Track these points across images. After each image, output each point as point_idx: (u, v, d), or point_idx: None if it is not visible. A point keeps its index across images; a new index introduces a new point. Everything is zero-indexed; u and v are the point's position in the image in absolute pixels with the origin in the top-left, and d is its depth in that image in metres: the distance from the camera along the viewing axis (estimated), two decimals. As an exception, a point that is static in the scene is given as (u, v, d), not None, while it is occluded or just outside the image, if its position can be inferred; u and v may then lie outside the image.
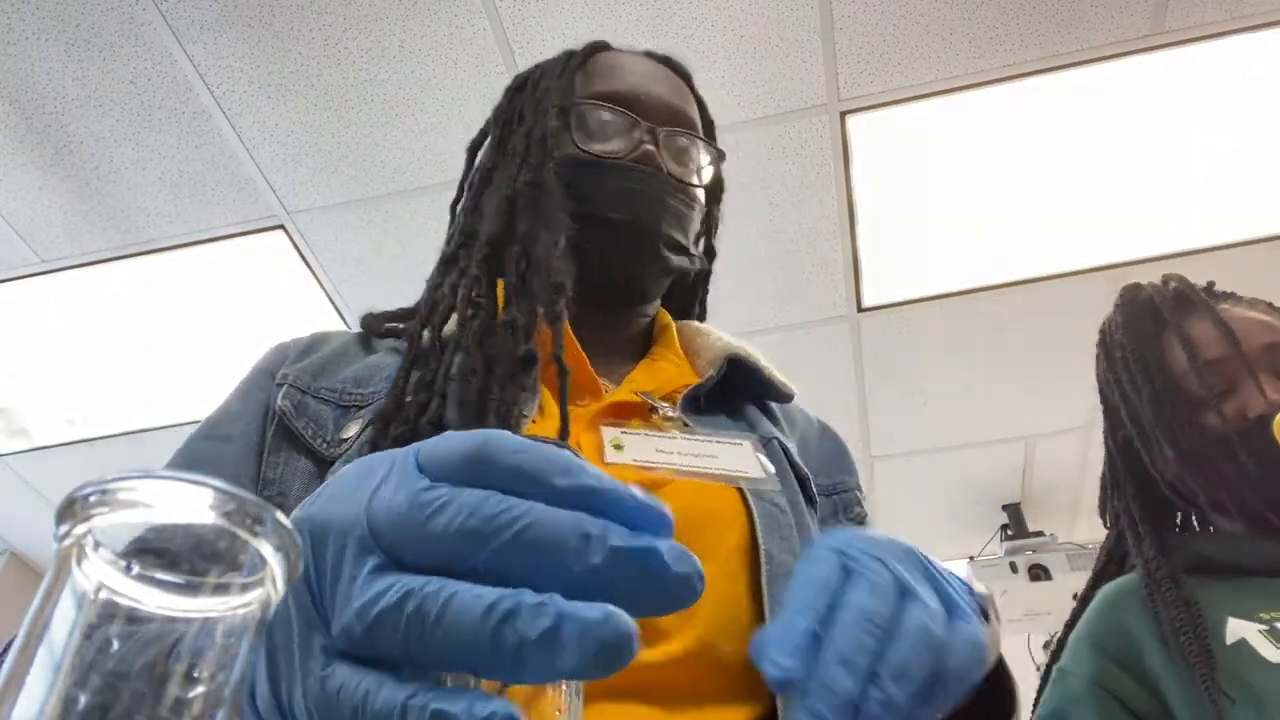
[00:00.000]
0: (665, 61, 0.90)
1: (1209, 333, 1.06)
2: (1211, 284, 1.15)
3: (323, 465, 0.65)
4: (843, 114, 2.23)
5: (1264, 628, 0.92)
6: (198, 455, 0.70)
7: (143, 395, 2.91)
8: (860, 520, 0.79)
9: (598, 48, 0.89)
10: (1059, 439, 3.12)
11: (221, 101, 2.17)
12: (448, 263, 0.78)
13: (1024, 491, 3.33)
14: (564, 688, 0.34)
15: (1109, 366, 1.16)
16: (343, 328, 1.07)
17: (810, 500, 0.73)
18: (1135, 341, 1.12)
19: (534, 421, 0.67)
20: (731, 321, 3.06)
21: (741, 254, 2.54)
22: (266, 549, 0.25)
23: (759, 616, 0.60)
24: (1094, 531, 3.36)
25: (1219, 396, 1.03)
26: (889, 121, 2.26)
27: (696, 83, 0.93)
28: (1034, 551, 3.09)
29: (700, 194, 0.85)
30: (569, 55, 0.87)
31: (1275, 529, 1.00)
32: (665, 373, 0.77)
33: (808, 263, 2.57)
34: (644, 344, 0.84)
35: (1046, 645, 3.42)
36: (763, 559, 0.62)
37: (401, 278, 2.53)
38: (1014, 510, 3.35)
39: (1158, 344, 1.10)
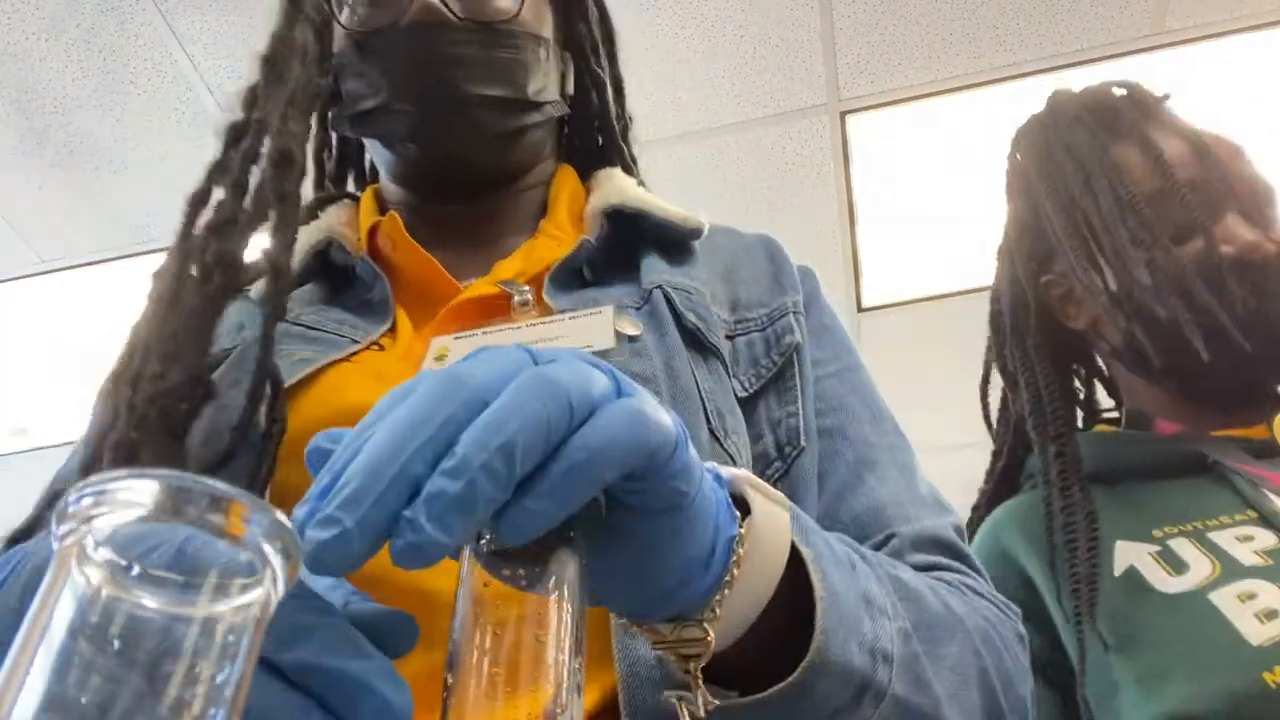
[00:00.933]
0: None
1: (1180, 148, 0.93)
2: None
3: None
4: (843, 114, 2.23)
5: (1157, 548, 0.78)
6: None
7: (143, 395, 2.91)
8: (789, 349, 0.64)
9: None
10: (1059, 439, 3.12)
11: (222, 102, 2.17)
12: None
13: (1024, 491, 3.33)
14: (564, 685, 0.34)
15: (1041, 173, 0.99)
16: None
17: (708, 351, 0.61)
18: (1085, 144, 0.94)
19: (381, 349, 0.60)
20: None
21: (741, 254, 2.54)
22: (266, 549, 0.25)
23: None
24: (1094, 531, 3.36)
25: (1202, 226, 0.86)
26: (889, 121, 2.26)
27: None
28: (1034, 551, 3.09)
29: (531, 22, 0.68)
30: None
31: (1222, 395, 0.86)
32: (541, 250, 0.66)
33: (808, 262, 2.57)
34: (536, 221, 0.71)
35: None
36: None
37: (401, 278, 2.53)
38: (1014, 510, 3.35)
39: (1108, 154, 0.93)
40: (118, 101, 2.16)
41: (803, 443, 0.60)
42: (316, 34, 0.64)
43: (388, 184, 0.73)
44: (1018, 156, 1.08)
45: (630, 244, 0.68)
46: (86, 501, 0.24)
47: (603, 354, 0.55)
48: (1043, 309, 1.03)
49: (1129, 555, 0.79)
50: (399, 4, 0.64)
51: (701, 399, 0.57)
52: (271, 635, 0.27)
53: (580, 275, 0.66)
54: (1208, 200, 0.89)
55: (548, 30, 0.71)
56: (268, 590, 0.25)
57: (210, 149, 0.59)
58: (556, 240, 0.68)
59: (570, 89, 0.74)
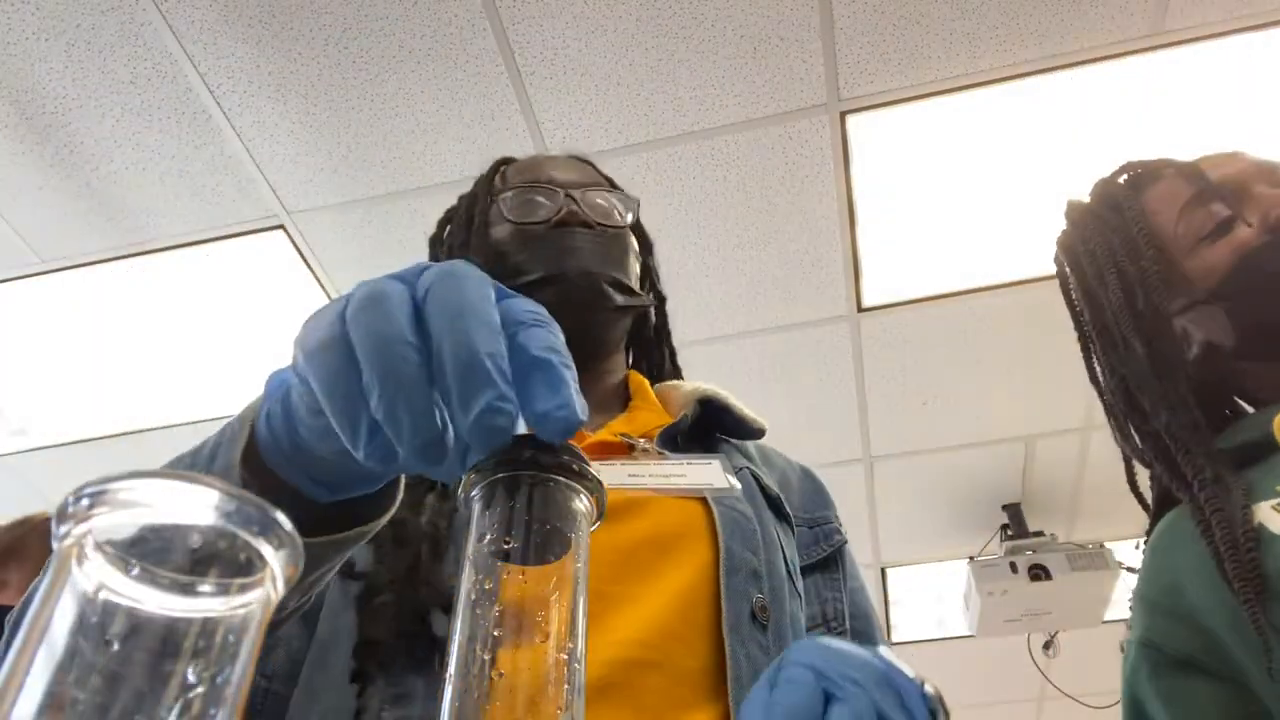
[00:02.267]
0: (570, 156, 1.01)
1: (1187, 171, 1.02)
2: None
3: None
4: (843, 114, 2.23)
5: (1276, 501, 0.81)
6: None
7: (143, 395, 2.91)
8: (839, 545, 0.85)
9: (506, 160, 1.00)
10: (1059, 439, 3.12)
11: (221, 101, 2.17)
12: None
13: (1024, 491, 3.33)
14: (565, 687, 0.34)
15: (1090, 269, 1.10)
16: None
17: (783, 518, 0.80)
18: (1109, 225, 1.07)
19: None
20: (731, 321, 3.07)
21: (741, 254, 2.54)
22: (266, 549, 0.25)
23: (716, 609, 0.66)
24: (1094, 531, 3.36)
25: (1231, 218, 0.94)
26: (889, 121, 2.26)
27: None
28: (1034, 551, 3.09)
29: (629, 236, 0.92)
30: (484, 174, 0.97)
31: None
32: (642, 419, 0.84)
33: (808, 263, 2.57)
34: (623, 402, 0.91)
35: (1046, 645, 3.42)
36: (723, 556, 0.69)
37: (401, 278, 2.52)
38: (1014, 510, 3.35)
39: (1135, 218, 1.05)
40: (118, 101, 2.16)
41: (847, 624, 0.79)
42: (484, 224, 0.88)
43: None
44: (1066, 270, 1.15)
45: (708, 431, 0.86)
46: (86, 501, 0.24)
47: (721, 490, 0.72)
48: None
49: (1261, 516, 0.81)
50: (550, 208, 0.87)
51: (781, 547, 0.75)
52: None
53: (676, 442, 0.81)
54: (1235, 187, 0.97)
55: (638, 250, 0.94)
56: (268, 590, 0.25)
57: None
58: (653, 414, 0.86)
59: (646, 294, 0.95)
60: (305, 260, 2.53)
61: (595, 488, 0.38)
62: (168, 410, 2.96)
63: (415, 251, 2.46)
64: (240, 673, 0.24)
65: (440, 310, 0.36)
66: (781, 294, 2.66)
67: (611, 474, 0.71)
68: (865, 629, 0.82)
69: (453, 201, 0.99)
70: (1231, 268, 0.94)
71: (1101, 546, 3.08)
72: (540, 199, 0.88)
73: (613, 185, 0.99)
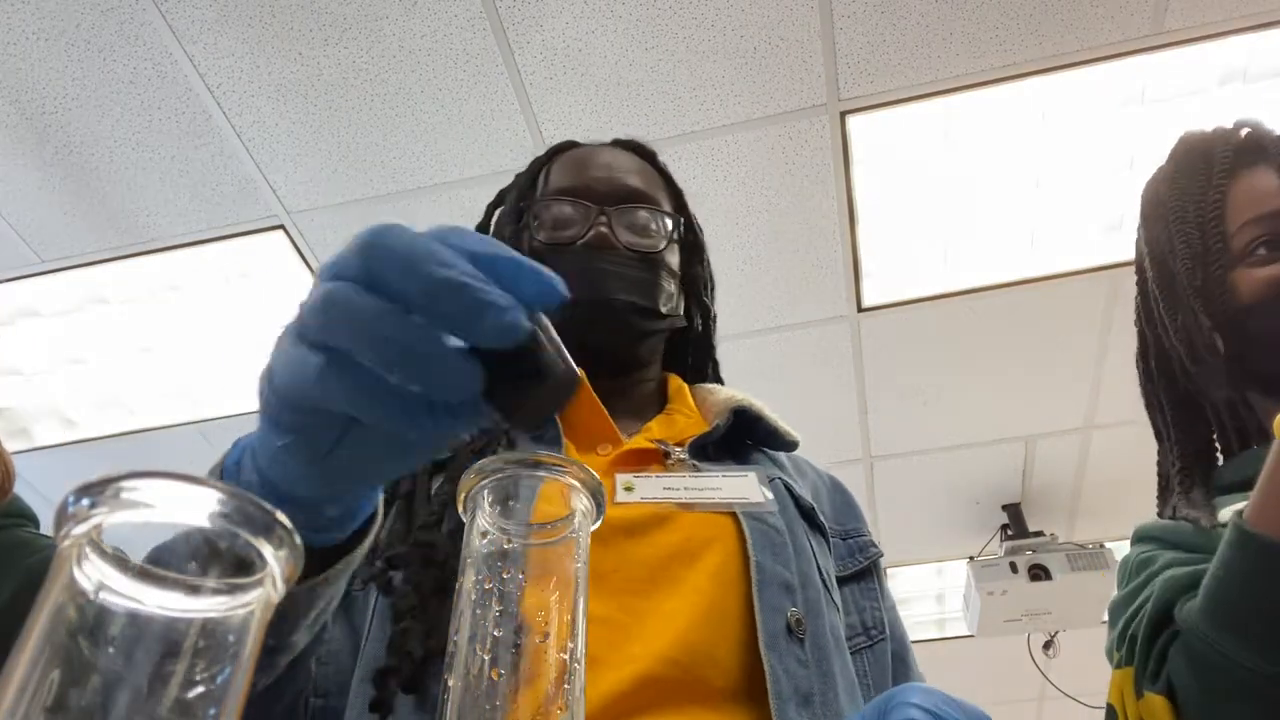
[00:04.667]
0: (627, 145, 0.99)
1: (1259, 177, 0.95)
2: None
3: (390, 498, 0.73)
4: (843, 114, 2.23)
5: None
6: None
7: (143, 395, 2.91)
8: (875, 557, 0.86)
9: (562, 148, 0.99)
10: (1059, 439, 3.12)
11: (221, 101, 2.17)
12: None
13: (1024, 491, 3.33)
14: (565, 687, 0.34)
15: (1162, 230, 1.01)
16: None
17: (818, 529, 0.80)
18: (1192, 187, 0.98)
19: None
20: (732, 322, 3.07)
21: (741, 254, 2.54)
22: (267, 550, 0.25)
23: (750, 624, 0.66)
24: (1094, 531, 3.36)
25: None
26: (889, 121, 2.26)
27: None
28: (1034, 551, 3.09)
29: (667, 258, 0.91)
30: (535, 162, 0.97)
31: None
32: (679, 424, 0.85)
33: (808, 263, 2.57)
34: (659, 404, 0.91)
35: (1046, 645, 3.42)
36: (753, 570, 0.69)
37: (401, 278, 2.52)
38: (1014, 510, 3.35)
39: (1215, 202, 0.97)
40: (118, 101, 2.16)
41: (886, 633, 0.80)
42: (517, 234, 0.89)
43: None
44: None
45: (740, 439, 0.86)
46: (86, 501, 0.24)
47: (753, 505, 0.73)
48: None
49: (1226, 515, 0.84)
50: (579, 227, 0.87)
51: (815, 558, 0.76)
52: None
53: (708, 451, 0.82)
54: None
55: (676, 264, 0.93)
56: (267, 590, 0.25)
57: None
58: (689, 420, 0.86)
59: (681, 310, 0.95)
60: (305, 260, 2.53)
61: (595, 487, 0.38)
62: (168, 410, 2.95)
63: (415, 251, 2.46)
64: (240, 673, 0.24)
65: (392, 271, 0.36)
66: (781, 294, 2.65)
67: (647, 487, 0.73)
68: (902, 653, 0.82)
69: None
70: (1244, 304, 0.93)
71: (1101, 546, 3.07)
72: (572, 213, 0.88)
73: (670, 182, 0.98)
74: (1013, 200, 2.42)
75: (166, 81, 2.13)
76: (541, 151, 1.04)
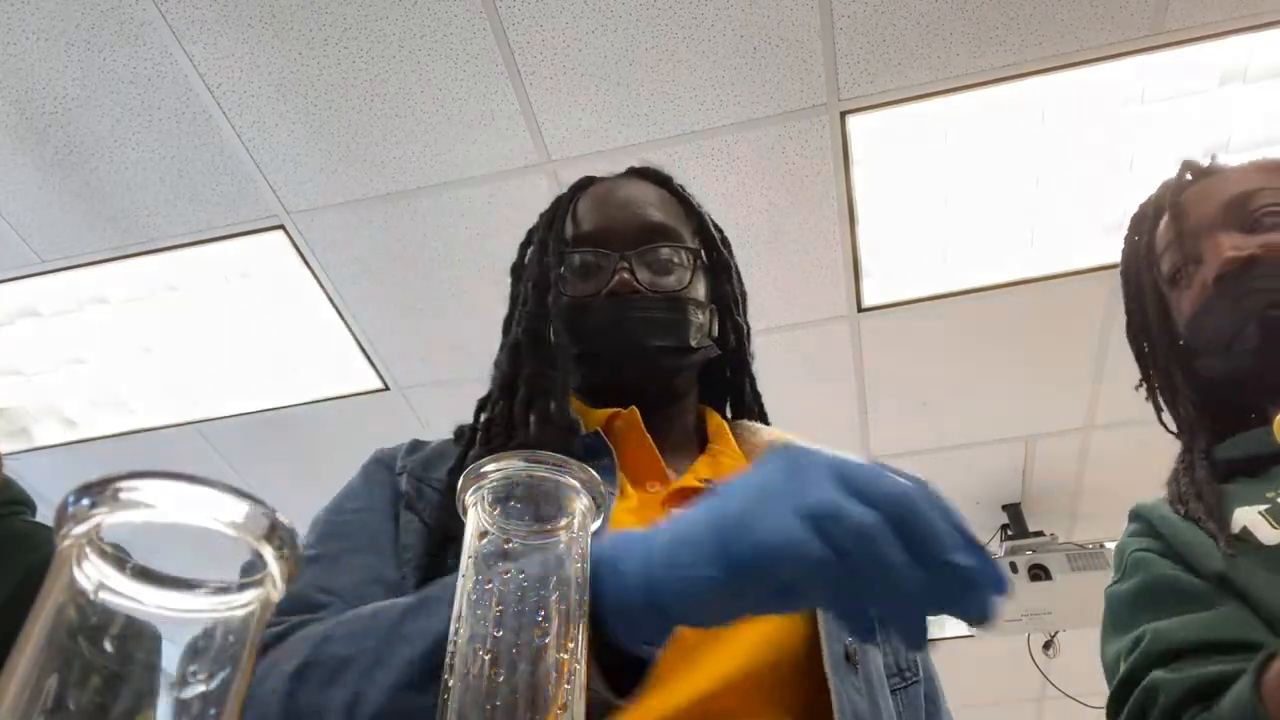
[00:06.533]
0: (643, 174, 1.01)
1: (1167, 216, 1.06)
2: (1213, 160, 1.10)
3: (432, 531, 0.78)
4: (843, 114, 2.23)
5: (1266, 507, 0.88)
6: (344, 524, 0.81)
7: (142, 395, 2.91)
8: None
9: (581, 186, 1.00)
10: (1059, 439, 3.12)
11: (221, 101, 2.17)
12: (477, 411, 0.91)
13: (1024, 491, 3.33)
14: (566, 686, 0.34)
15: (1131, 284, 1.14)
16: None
17: None
18: (1136, 242, 1.12)
19: (617, 500, 0.79)
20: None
21: (741, 254, 2.53)
22: (267, 550, 0.25)
23: (805, 654, 0.70)
24: (1094, 531, 3.36)
25: (1187, 275, 1.01)
26: (889, 121, 2.26)
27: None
28: (1034, 551, 3.08)
29: (693, 291, 0.93)
30: (557, 202, 0.98)
31: None
32: (724, 464, 0.87)
33: (808, 263, 2.57)
34: (698, 439, 0.94)
35: (1046, 645, 3.42)
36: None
37: (402, 278, 2.53)
38: (1014, 510, 3.35)
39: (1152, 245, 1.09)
40: (118, 101, 2.16)
41: (920, 675, 0.82)
42: (540, 299, 0.90)
43: (581, 398, 0.95)
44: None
45: None
46: (87, 501, 0.24)
47: None
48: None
49: (1242, 519, 0.88)
50: (602, 276, 0.89)
51: None
52: None
53: None
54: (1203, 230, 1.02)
55: (703, 293, 0.95)
56: (267, 590, 0.25)
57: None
58: (733, 460, 0.88)
59: (715, 333, 0.96)
60: (305, 260, 2.53)
61: (595, 487, 0.38)
62: (168, 410, 2.95)
63: (415, 251, 2.46)
64: (240, 673, 0.24)
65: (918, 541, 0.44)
66: (781, 294, 2.65)
67: None
68: (934, 695, 0.85)
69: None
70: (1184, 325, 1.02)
71: (1101, 546, 3.07)
72: (594, 261, 0.91)
73: (688, 205, 1.00)
74: (1012, 200, 2.42)
75: (166, 81, 2.13)
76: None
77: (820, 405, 2.99)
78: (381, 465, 0.88)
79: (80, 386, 2.87)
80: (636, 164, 1.03)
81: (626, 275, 0.89)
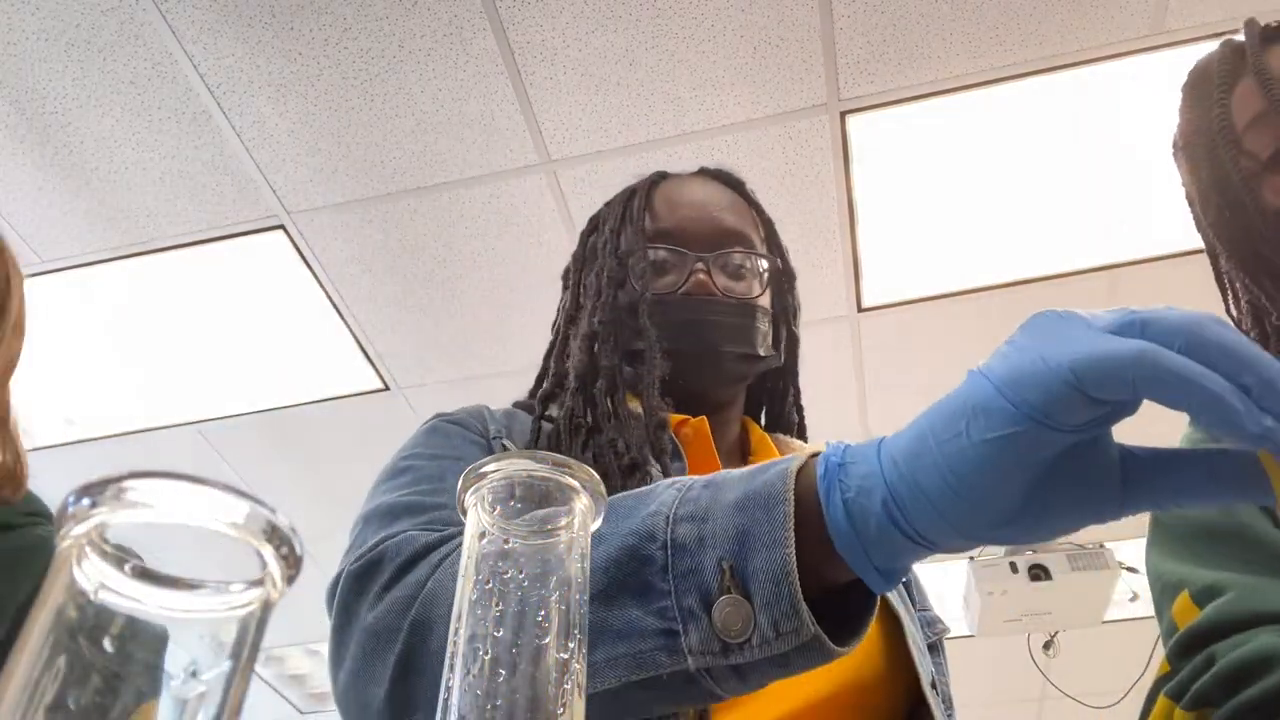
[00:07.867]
0: (717, 176, 1.00)
1: (1250, 81, 0.86)
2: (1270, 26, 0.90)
3: None
4: (843, 114, 2.23)
5: None
6: (448, 467, 0.76)
7: (143, 395, 2.91)
8: (943, 633, 0.88)
9: (655, 180, 0.98)
10: (1059, 439, 3.12)
11: (221, 101, 2.17)
12: (545, 399, 0.88)
13: (1024, 491, 3.33)
14: (566, 686, 0.34)
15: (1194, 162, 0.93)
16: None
17: (911, 600, 0.86)
18: (1203, 113, 0.90)
19: None
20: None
21: (741, 254, 2.54)
22: (267, 550, 0.25)
23: (889, 683, 0.70)
24: (1094, 531, 3.35)
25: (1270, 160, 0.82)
26: (889, 121, 2.26)
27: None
28: (1034, 551, 3.09)
29: (762, 299, 0.94)
30: (631, 194, 0.96)
31: None
32: None
33: (808, 263, 2.57)
34: (741, 449, 0.94)
35: (1046, 645, 3.42)
36: (903, 621, 0.74)
37: (402, 278, 2.53)
38: (1014, 510, 3.34)
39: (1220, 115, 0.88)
40: (118, 101, 2.16)
41: (954, 710, 0.81)
42: (616, 290, 0.89)
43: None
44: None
45: None
46: (87, 501, 0.24)
47: None
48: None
49: None
50: (678, 274, 0.89)
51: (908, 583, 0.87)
52: None
53: None
54: None
55: (769, 301, 0.96)
56: (267, 590, 0.25)
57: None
58: None
59: (777, 347, 0.98)
60: (305, 260, 2.53)
61: (596, 487, 0.38)
62: (168, 410, 2.96)
63: (415, 251, 2.47)
64: (240, 673, 0.24)
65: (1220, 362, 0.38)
66: (781, 294, 2.66)
67: None
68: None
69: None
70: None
71: (1101, 546, 3.07)
72: (670, 259, 0.90)
73: (759, 211, 1.00)
74: (1012, 200, 2.42)
75: (166, 81, 2.13)
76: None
77: (820, 405, 2.99)
78: (466, 428, 0.84)
79: (80, 386, 2.87)
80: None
81: (704, 277, 0.88)
